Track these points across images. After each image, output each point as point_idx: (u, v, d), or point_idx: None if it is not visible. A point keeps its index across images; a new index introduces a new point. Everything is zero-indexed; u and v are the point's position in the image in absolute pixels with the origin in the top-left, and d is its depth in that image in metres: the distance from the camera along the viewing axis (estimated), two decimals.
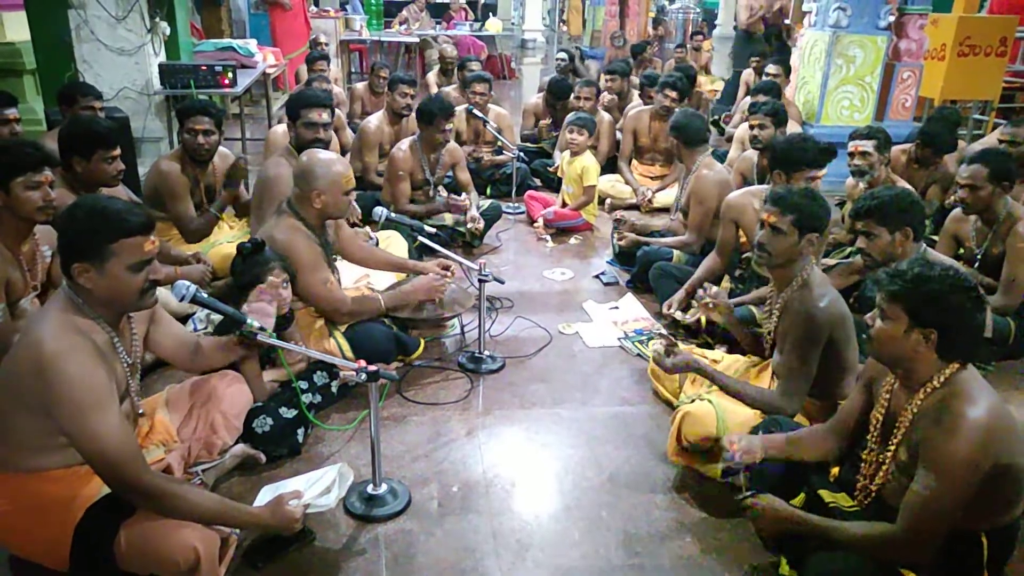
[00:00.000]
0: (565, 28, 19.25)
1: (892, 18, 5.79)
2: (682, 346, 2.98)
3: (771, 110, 4.11)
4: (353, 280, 3.37)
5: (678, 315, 2.89)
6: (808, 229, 2.35)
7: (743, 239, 3.47)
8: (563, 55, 7.82)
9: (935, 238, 3.73)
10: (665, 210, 5.07)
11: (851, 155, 3.80)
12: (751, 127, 4.14)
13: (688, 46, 9.88)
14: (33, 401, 1.69)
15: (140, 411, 2.09)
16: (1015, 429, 1.69)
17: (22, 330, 1.86)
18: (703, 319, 3.22)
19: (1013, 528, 1.78)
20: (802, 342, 2.30)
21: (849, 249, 4.06)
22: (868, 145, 3.72)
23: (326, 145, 3.35)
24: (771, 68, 6.10)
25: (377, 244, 3.72)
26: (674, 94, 5.28)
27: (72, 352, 1.69)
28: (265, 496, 1.98)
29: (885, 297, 1.75)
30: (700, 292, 2.79)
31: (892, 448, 1.81)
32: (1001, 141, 3.91)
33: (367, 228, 3.58)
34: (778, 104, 4.26)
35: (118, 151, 3.10)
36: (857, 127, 3.99)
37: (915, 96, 6.22)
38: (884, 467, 1.83)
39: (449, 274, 3.21)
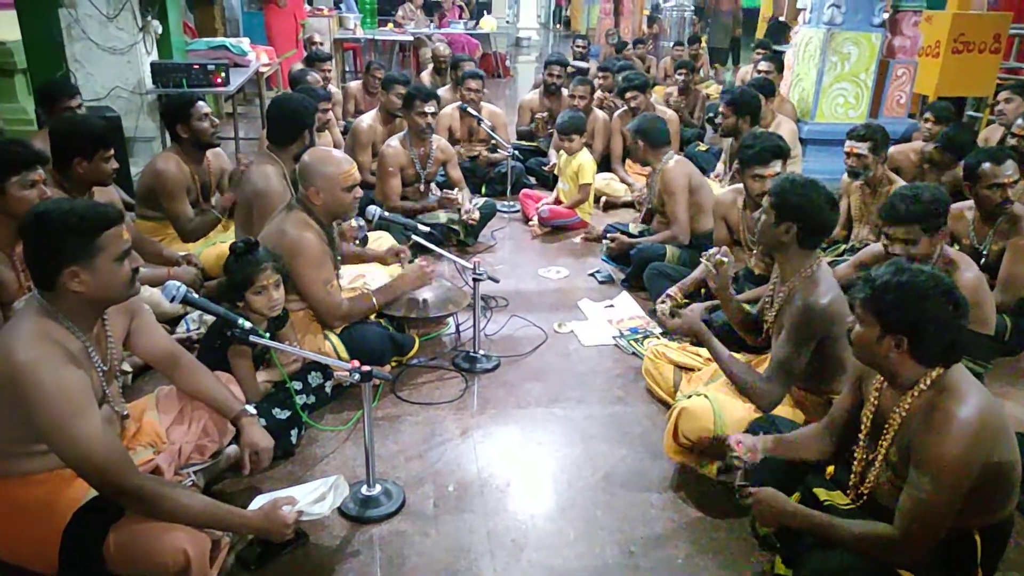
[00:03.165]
0: (559, 26, 19.24)
1: (886, 15, 5.79)
2: (675, 344, 2.98)
3: (730, 100, 4.27)
4: (349, 280, 3.35)
5: (668, 321, 2.84)
6: (786, 217, 2.34)
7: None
8: (558, 68, 7.35)
9: None
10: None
11: (847, 155, 3.79)
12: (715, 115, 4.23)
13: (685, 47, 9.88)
14: (8, 411, 1.67)
15: (125, 414, 2.07)
16: (1005, 426, 1.69)
17: None
18: None
19: (1006, 525, 1.78)
20: (797, 333, 2.30)
21: (844, 247, 4.06)
22: (863, 147, 3.71)
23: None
24: (763, 65, 6.10)
25: (367, 235, 3.70)
26: (633, 92, 5.45)
27: (45, 361, 1.66)
28: (258, 504, 1.96)
29: (859, 302, 1.75)
30: (711, 251, 2.72)
31: (882, 447, 1.80)
32: (1015, 135, 3.88)
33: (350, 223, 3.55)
34: (742, 96, 4.32)
35: (112, 150, 3.09)
36: (853, 124, 3.98)
37: (910, 93, 6.22)
38: (875, 466, 1.83)
39: (401, 258, 3.33)
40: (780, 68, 6.32)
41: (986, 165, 3.15)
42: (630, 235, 4.25)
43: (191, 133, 3.58)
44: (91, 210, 1.77)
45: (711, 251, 2.66)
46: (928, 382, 1.71)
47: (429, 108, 4.28)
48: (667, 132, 4.14)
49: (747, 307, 2.75)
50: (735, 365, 2.44)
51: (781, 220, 2.35)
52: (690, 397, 2.43)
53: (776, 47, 8.16)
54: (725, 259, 2.65)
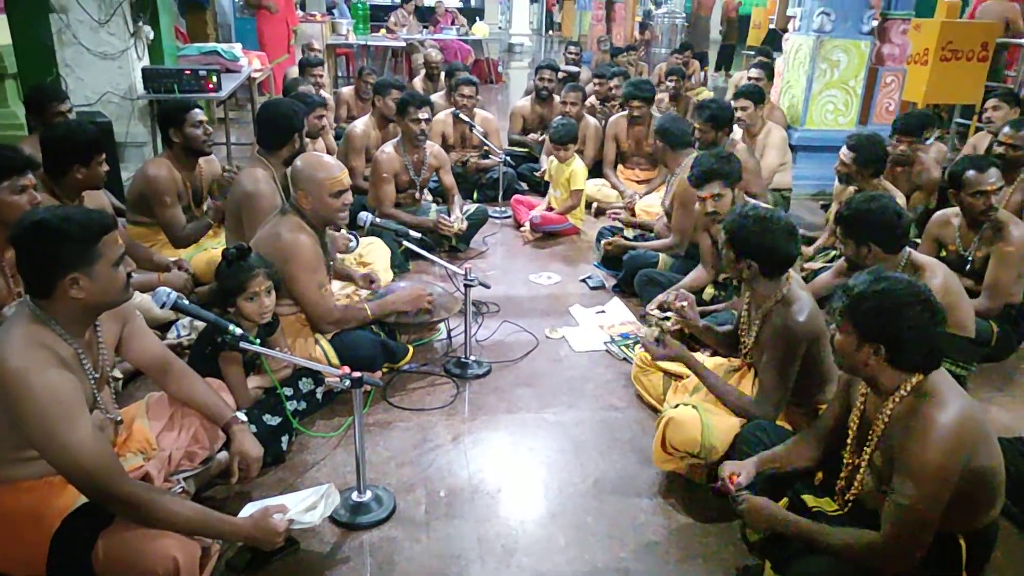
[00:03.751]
0: (551, 32, 19.28)
1: (875, 23, 5.84)
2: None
3: (709, 116, 4.19)
4: (340, 286, 3.36)
5: (659, 317, 2.87)
6: (744, 254, 2.35)
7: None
8: (548, 72, 6.58)
9: (918, 240, 3.74)
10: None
11: (838, 158, 3.84)
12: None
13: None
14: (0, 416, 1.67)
15: (119, 419, 2.07)
16: (986, 431, 1.71)
17: None
18: None
19: (991, 529, 1.79)
20: (780, 355, 2.31)
21: (833, 252, 4.08)
22: (847, 156, 3.75)
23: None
24: (753, 72, 6.15)
25: (358, 244, 3.70)
26: (639, 103, 5.37)
27: (37, 367, 1.66)
28: (248, 512, 1.96)
29: (838, 311, 1.78)
30: (671, 296, 2.78)
31: (867, 453, 1.82)
32: (1002, 143, 3.92)
33: (343, 231, 3.55)
34: (721, 112, 4.29)
35: (104, 154, 3.10)
36: (841, 131, 4.02)
37: (898, 100, 6.28)
38: (861, 472, 1.84)
39: (375, 286, 3.27)
40: (771, 75, 6.37)
41: (970, 173, 3.18)
42: (626, 238, 4.26)
43: (183, 139, 3.58)
44: (89, 217, 1.77)
45: (652, 306, 2.66)
46: (908, 388, 1.73)
47: (423, 115, 4.29)
48: (689, 134, 4.10)
49: (735, 316, 2.76)
50: (725, 390, 2.45)
51: (740, 258, 2.37)
52: (677, 407, 2.43)
53: (776, 54, 8.25)
54: (684, 303, 2.69)
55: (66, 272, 1.72)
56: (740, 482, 2.02)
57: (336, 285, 3.30)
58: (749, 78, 6.08)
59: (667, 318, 2.68)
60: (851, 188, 3.87)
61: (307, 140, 4.17)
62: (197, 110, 3.61)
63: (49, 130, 3.15)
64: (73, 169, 2.97)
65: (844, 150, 3.78)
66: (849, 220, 2.67)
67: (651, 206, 5.00)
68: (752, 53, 9.57)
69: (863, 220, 2.64)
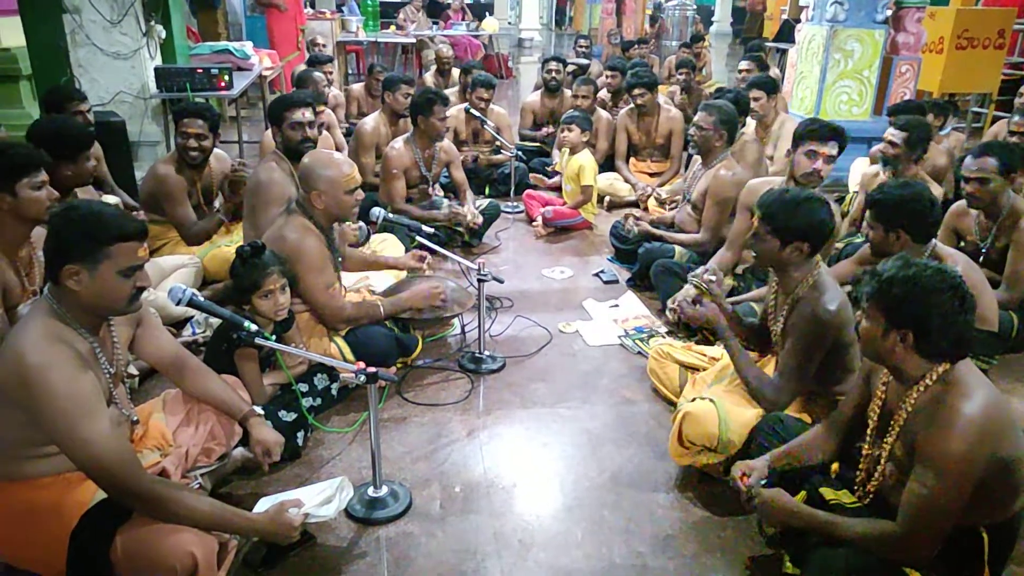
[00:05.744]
0: (564, 27, 19.22)
1: (889, 12, 5.78)
2: (679, 344, 2.98)
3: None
4: (353, 281, 3.36)
5: (688, 308, 2.75)
6: (790, 238, 2.27)
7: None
8: (555, 64, 6.47)
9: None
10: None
11: (883, 140, 3.74)
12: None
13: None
14: (18, 412, 1.68)
15: (134, 418, 2.08)
16: (1012, 423, 1.67)
17: (4, 340, 1.84)
18: None
19: (1014, 522, 1.76)
20: (806, 342, 2.27)
21: (860, 238, 4.03)
22: (898, 136, 3.61)
23: (314, 144, 3.40)
24: (743, 64, 6.17)
25: (369, 235, 3.71)
26: (641, 90, 5.37)
27: (55, 362, 1.67)
28: (263, 507, 1.96)
29: (865, 296, 1.75)
30: (697, 271, 2.72)
31: (888, 443, 1.80)
32: (1013, 132, 3.86)
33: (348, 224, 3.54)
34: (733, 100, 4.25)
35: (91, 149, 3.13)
36: (856, 121, 3.96)
37: (914, 90, 6.20)
38: (881, 463, 1.82)
39: (425, 265, 3.29)
40: (759, 66, 6.36)
41: (967, 159, 3.21)
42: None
43: (176, 144, 3.64)
44: (113, 219, 1.78)
45: (698, 271, 2.63)
46: (934, 377, 1.70)
47: (447, 113, 4.30)
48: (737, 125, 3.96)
49: (755, 310, 2.73)
50: (748, 366, 2.42)
51: (787, 242, 2.28)
52: (694, 400, 2.41)
53: (789, 44, 8.20)
54: (713, 278, 2.62)
55: (68, 261, 1.74)
56: (751, 483, 1.98)
57: (351, 279, 3.30)
58: (740, 70, 6.09)
59: (711, 281, 2.62)
60: (883, 175, 3.80)
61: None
62: (193, 120, 3.55)
63: (35, 129, 3.12)
64: (61, 167, 2.96)
65: (893, 131, 3.65)
66: (882, 204, 2.61)
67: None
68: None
69: (896, 205, 2.58)
